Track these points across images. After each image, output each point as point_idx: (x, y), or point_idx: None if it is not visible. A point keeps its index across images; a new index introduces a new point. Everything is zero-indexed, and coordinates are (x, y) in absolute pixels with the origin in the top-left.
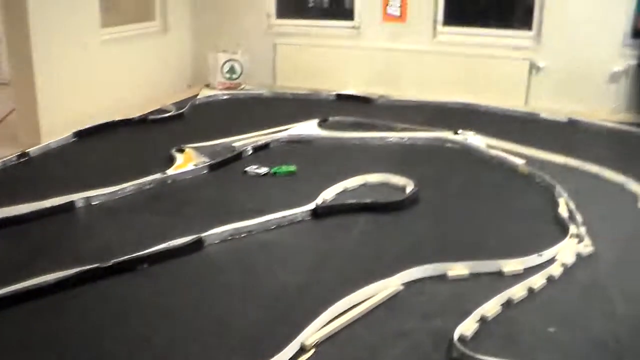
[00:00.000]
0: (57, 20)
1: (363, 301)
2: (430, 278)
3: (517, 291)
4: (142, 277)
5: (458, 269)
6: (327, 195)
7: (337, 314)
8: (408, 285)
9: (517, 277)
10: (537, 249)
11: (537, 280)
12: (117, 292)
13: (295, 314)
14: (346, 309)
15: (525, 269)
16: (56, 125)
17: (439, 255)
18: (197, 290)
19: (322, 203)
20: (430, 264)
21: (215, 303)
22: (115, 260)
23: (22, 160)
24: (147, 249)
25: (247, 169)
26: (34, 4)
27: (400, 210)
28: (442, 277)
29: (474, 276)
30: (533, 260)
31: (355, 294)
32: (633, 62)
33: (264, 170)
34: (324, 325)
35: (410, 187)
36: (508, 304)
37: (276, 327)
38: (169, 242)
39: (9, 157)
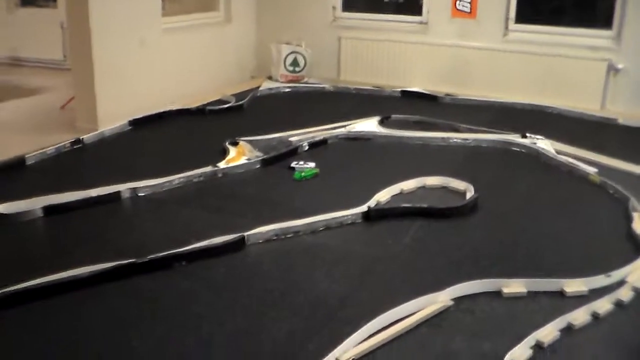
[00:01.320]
0: (118, 7)
1: (408, 316)
2: (484, 294)
3: (580, 315)
4: (178, 275)
5: (515, 286)
6: (382, 197)
7: (378, 329)
8: (458, 300)
9: (581, 299)
10: (606, 268)
11: (604, 305)
12: (151, 289)
13: (334, 325)
14: (389, 323)
15: (590, 291)
16: (114, 114)
17: (495, 270)
18: (232, 293)
19: (375, 205)
20: (485, 279)
21: (249, 309)
22: (152, 256)
23: (75, 147)
24: (186, 245)
25: (294, 164)
26: None
27: (458, 217)
28: (497, 294)
29: (532, 295)
30: (600, 281)
31: (400, 307)
32: None
33: (310, 165)
34: (363, 341)
35: (470, 193)
36: (568, 330)
37: (311, 340)
38: (211, 240)
39: (62, 143)
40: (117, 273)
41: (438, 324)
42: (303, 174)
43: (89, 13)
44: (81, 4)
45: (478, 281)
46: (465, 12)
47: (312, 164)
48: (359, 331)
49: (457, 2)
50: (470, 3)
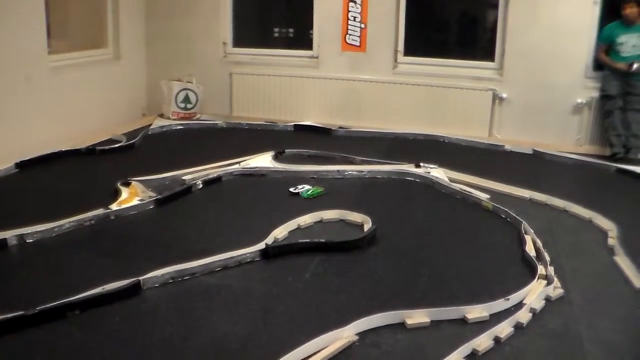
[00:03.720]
0: (1, 45)
1: (314, 354)
2: (388, 327)
3: (483, 341)
4: (72, 325)
5: (418, 317)
6: (279, 233)
7: None
8: (363, 335)
9: (483, 325)
10: (504, 292)
11: (504, 328)
12: (42, 342)
13: None
14: None
15: (491, 315)
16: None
17: (397, 301)
18: (129, 341)
19: (273, 242)
20: (388, 311)
21: (146, 357)
22: (42, 307)
23: None
24: (81, 292)
25: (292, 189)
26: None
27: (357, 250)
28: (401, 326)
29: (436, 324)
30: (500, 305)
31: (305, 346)
32: (595, 94)
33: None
34: None
35: (368, 225)
36: (473, 356)
37: None
38: (104, 286)
39: None
40: (6, 327)
41: None
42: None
43: None
44: None
45: (381, 314)
46: (355, 45)
47: (309, 187)
48: None
49: (347, 36)
50: (360, 36)
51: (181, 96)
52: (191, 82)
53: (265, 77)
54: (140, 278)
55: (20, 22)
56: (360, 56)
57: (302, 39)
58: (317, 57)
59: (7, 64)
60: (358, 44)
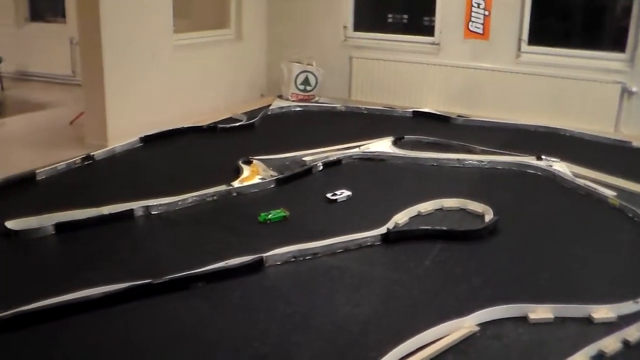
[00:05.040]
0: (130, 24)
1: (433, 342)
2: (510, 320)
3: (611, 343)
4: (195, 297)
5: (541, 312)
6: (400, 219)
7: (403, 355)
8: (484, 326)
9: (609, 326)
10: (632, 294)
11: (634, 332)
12: (167, 311)
13: (358, 351)
14: (413, 350)
15: (618, 317)
16: (124, 130)
17: (519, 294)
18: (251, 315)
19: (393, 227)
20: (511, 304)
21: (270, 332)
22: (169, 276)
23: (86, 163)
24: (204, 265)
25: (329, 195)
26: (106, 8)
27: (478, 240)
28: (523, 320)
29: (559, 321)
30: (628, 307)
31: (425, 333)
32: None
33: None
34: None
35: (489, 215)
36: (600, 358)
37: None
38: (228, 261)
39: (73, 159)
40: (132, 294)
41: (464, 350)
42: (270, 216)
43: (101, 29)
44: (93, 20)
45: (504, 306)
46: (478, 33)
47: (347, 193)
48: (385, 358)
49: (470, 23)
50: (483, 24)
51: (301, 78)
52: (311, 65)
53: (385, 62)
54: (263, 255)
55: (149, 1)
56: (482, 44)
57: (417, 25)
58: (438, 44)
59: (136, 41)
60: (481, 31)
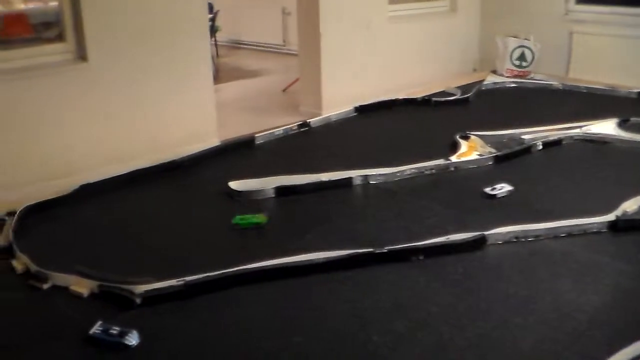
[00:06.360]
0: None
1: None
2: None
3: None
4: (415, 269)
5: None
6: (629, 206)
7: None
8: None
9: None
10: None
11: None
12: (388, 282)
13: (584, 344)
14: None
15: None
16: (338, 99)
17: None
18: (472, 294)
19: (623, 215)
20: None
21: (491, 312)
22: (389, 247)
23: (302, 129)
24: (425, 239)
25: (488, 190)
26: None
27: None
28: None
29: None
30: None
31: None
32: None
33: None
34: None
35: None
36: None
37: (560, 355)
38: (449, 236)
39: (290, 126)
40: (353, 261)
41: None
42: (242, 221)
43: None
44: None
45: None
46: None
47: (509, 188)
48: (616, 355)
49: None
50: None
51: (517, 53)
52: (528, 39)
53: (609, 37)
54: (486, 233)
55: None
56: None
57: None
58: None
59: (350, 12)
60: None
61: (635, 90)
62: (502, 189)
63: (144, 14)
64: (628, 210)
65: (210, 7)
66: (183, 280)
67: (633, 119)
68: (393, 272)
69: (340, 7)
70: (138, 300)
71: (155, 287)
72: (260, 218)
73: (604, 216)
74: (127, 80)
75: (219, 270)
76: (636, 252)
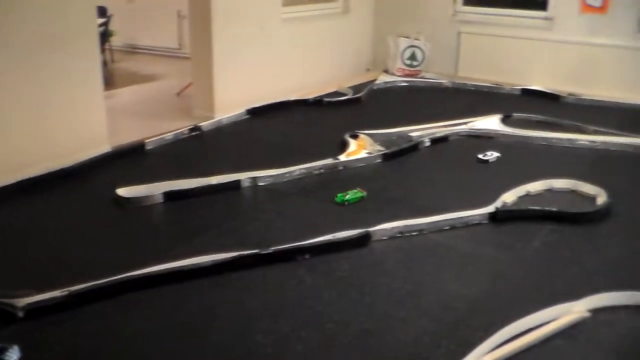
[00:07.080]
0: None
1: (540, 325)
2: (624, 308)
3: None
4: (301, 268)
5: None
6: (508, 198)
7: (509, 337)
8: (595, 313)
9: None
10: None
11: None
12: (274, 282)
13: (463, 331)
14: (520, 332)
15: None
16: (230, 102)
17: (634, 282)
18: (357, 291)
19: (502, 206)
20: (626, 290)
21: (375, 307)
22: (275, 248)
23: (193, 133)
24: (309, 238)
25: (481, 156)
26: None
27: (590, 223)
28: (638, 310)
29: None
30: None
31: (533, 316)
32: None
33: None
34: (494, 349)
35: (602, 198)
36: None
37: (440, 345)
38: (334, 234)
39: (180, 130)
40: (240, 263)
41: (574, 336)
42: (347, 197)
43: (210, 3)
44: None
45: (620, 293)
46: (596, 6)
47: (497, 154)
48: (490, 339)
49: None
50: None
51: (407, 53)
52: (419, 40)
53: (495, 37)
54: (370, 229)
55: None
56: (600, 18)
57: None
58: (551, 19)
59: (244, 13)
60: (599, 4)
61: (519, 88)
62: (492, 155)
63: (31, 22)
64: (507, 201)
65: (104, 11)
66: (67, 290)
67: (515, 115)
68: (280, 272)
69: (234, 9)
70: (20, 314)
71: (38, 299)
72: (361, 192)
73: (485, 208)
74: (16, 89)
75: (106, 278)
76: (514, 241)
